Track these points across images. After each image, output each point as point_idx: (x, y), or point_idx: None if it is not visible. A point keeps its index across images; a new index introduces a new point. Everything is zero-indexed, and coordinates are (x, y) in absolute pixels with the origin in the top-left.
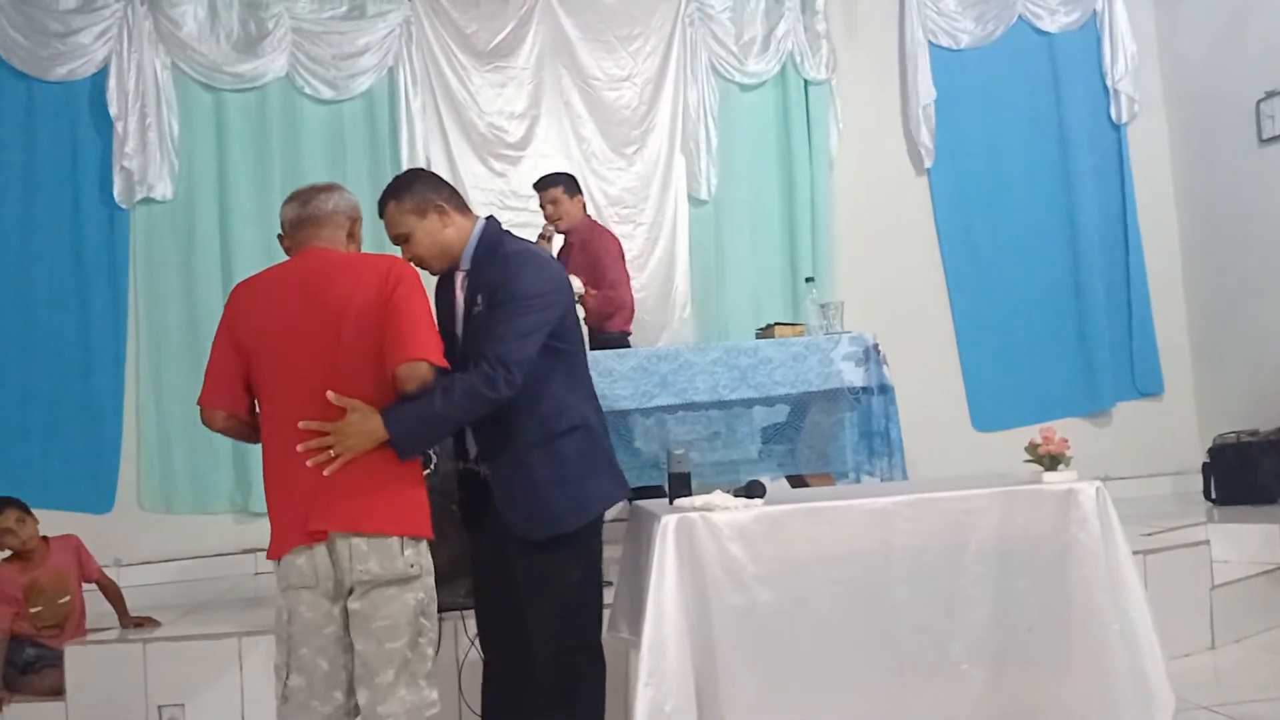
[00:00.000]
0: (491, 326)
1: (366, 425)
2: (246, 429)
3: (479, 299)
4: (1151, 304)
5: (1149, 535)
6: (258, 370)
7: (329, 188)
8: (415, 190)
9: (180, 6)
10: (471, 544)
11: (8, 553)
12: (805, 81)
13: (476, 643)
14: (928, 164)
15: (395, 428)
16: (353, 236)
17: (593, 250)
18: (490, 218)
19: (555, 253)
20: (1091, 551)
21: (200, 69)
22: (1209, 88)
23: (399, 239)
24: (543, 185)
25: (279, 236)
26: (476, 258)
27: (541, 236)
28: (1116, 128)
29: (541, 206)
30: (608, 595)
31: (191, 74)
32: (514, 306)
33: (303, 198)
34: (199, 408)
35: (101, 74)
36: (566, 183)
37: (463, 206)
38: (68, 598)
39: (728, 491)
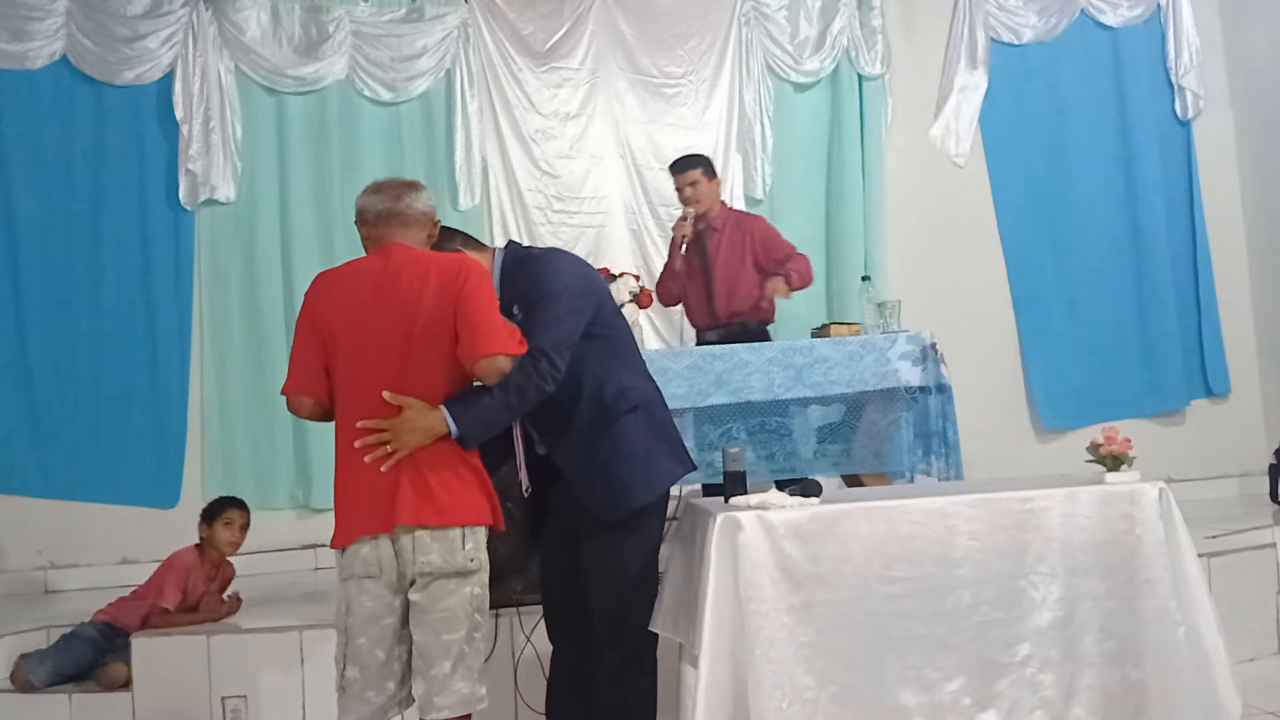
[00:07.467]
0: (532, 323)
1: (423, 421)
2: (332, 416)
3: (515, 309)
4: (1219, 303)
5: (1213, 538)
6: (334, 361)
7: (415, 186)
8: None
9: (243, 11)
10: (539, 535)
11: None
12: (860, 77)
13: (532, 640)
14: (989, 161)
15: (459, 419)
16: (430, 237)
17: (756, 231)
18: (511, 241)
19: (686, 244)
20: (1156, 553)
21: (263, 72)
22: (1276, 83)
23: None
24: (681, 167)
25: (357, 224)
26: (504, 275)
27: (682, 219)
28: (1183, 124)
29: (678, 190)
30: None
31: (254, 77)
32: (547, 302)
33: (393, 193)
34: (285, 397)
35: (167, 78)
36: (705, 165)
37: (478, 244)
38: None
39: (783, 490)
